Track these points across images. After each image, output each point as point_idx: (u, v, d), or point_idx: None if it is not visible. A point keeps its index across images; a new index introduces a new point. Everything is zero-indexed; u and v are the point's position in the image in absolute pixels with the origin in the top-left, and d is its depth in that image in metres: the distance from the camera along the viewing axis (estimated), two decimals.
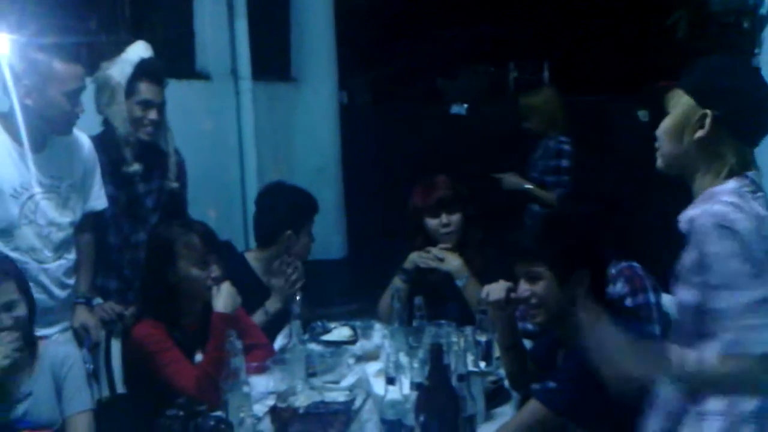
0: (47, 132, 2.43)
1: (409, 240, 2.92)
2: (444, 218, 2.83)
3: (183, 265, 2.35)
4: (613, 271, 2.45)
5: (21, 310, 2.09)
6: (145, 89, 2.78)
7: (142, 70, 2.76)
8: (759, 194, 1.54)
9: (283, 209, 2.93)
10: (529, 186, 4.02)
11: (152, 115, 2.80)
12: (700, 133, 1.53)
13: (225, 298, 2.33)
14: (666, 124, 1.60)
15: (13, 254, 2.36)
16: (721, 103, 1.53)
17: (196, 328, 2.37)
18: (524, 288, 2.03)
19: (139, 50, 2.80)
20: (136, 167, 2.81)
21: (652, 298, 2.51)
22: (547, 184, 3.98)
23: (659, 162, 1.63)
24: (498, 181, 4.11)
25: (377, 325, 2.77)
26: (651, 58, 5.64)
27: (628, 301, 2.45)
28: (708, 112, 1.52)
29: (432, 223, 2.85)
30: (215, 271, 2.38)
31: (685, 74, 1.60)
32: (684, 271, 1.54)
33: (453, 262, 2.80)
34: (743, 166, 1.55)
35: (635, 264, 2.53)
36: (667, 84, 1.63)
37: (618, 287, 2.44)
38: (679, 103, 1.58)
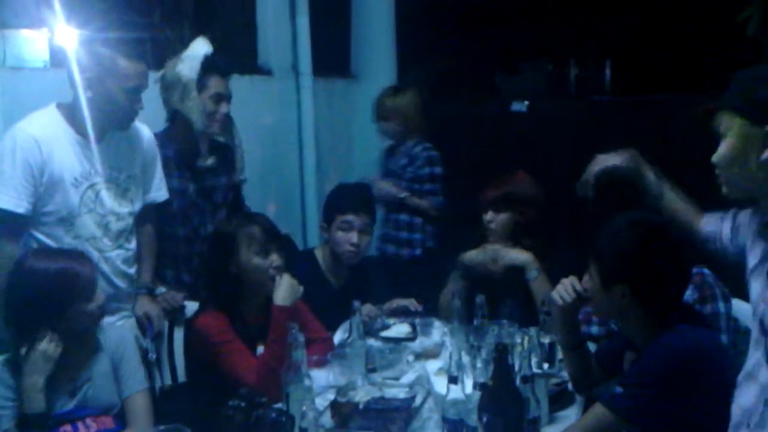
0: (107, 125, 2.48)
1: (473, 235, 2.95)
2: (489, 215, 2.84)
3: (245, 254, 2.38)
4: None
5: (103, 297, 2.16)
6: (215, 83, 2.84)
7: (210, 65, 2.81)
8: None
9: (323, 205, 3.05)
10: (405, 194, 3.76)
11: (224, 108, 2.86)
12: (767, 154, 1.40)
13: (284, 291, 2.35)
14: (725, 152, 1.46)
15: (74, 242, 2.42)
16: None
17: (259, 320, 2.38)
18: (585, 279, 2.04)
19: (202, 46, 2.85)
20: (211, 161, 2.89)
21: (721, 307, 2.44)
22: (416, 192, 3.74)
23: (724, 190, 1.50)
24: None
25: (437, 323, 2.75)
26: (719, 55, 5.47)
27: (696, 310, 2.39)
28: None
29: (483, 219, 2.88)
30: (277, 260, 2.39)
31: (728, 94, 1.45)
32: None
33: (521, 255, 2.79)
34: None
35: (706, 270, 2.45)
36: (709, 108, 1.49)
37: (687, 294, 2.38)
38: (734, 126, 1.44)
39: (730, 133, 1.46)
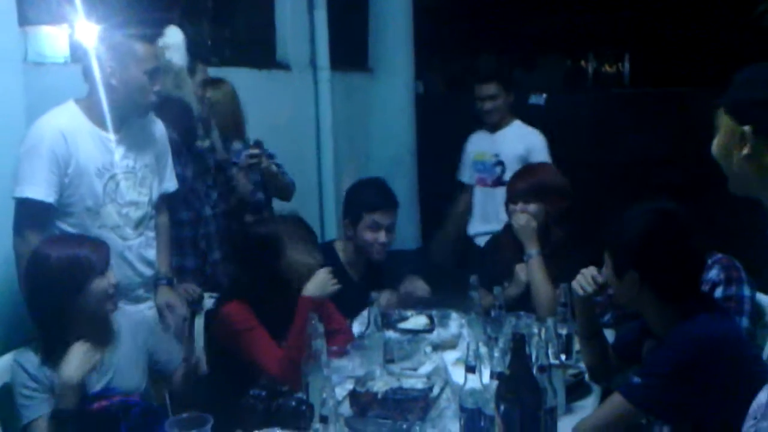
0: (127, 114, 2.54)
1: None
2: (519, 206, 2.84)
3: (295, 254, 2.38)
4: (709, 261, 2.37)
5: (115, 277, 2.19)
6: (202, 70, 2.98)
7: (195, 53, 2.93)
8: None
9: (345, 200, 3.02)
10: None
11: (209, 93, 3.02)
12: (745, 151, 1.41)
13: (317, 284, 2.35)
14: (714, 146, 1.49)
15: (100, 231, 2.46)
16: (757, 117, 1.39)
17: (285, 310, 2.38)
18: (604, 270, 2.05)
19: (178, 33, 2.91)
20: (208, 142, 3.01)
21: (746, 291, 2.43)
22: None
23: (729, 186, 1.53)
24: None
25: (454, 314, 2.75)
26: (736, 48, 5.43)
27: (719, 291, 2.38)
28: (746, 128, 1.40)
29: (511, 208, 2.88)
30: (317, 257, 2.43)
31: (727, 92, 1.48)
32: None
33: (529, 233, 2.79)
34: None
35: (735, 260, 2.47)
36: (715, 104, 1.52)
37: (712, 274, 2.38)
38: (722, 123, 1.47)
39: (720, 129, 1.49)
